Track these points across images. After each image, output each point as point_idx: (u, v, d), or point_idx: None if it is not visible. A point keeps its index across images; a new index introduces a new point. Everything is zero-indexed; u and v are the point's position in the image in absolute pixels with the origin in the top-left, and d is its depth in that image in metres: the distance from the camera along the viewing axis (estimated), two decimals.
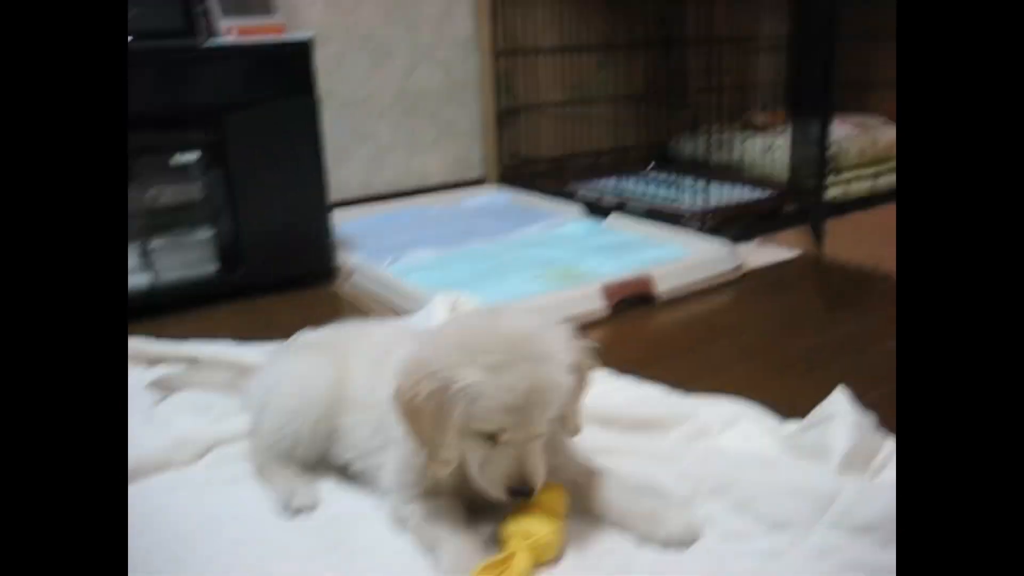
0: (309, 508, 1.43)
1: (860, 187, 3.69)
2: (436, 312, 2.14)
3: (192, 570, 1.29)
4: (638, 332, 2.34)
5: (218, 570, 1.27)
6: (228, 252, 2.71)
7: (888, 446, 1.52)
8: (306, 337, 1.71)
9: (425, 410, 1.20)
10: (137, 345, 2.12)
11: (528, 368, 1.19)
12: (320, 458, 1.53)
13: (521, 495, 1.22)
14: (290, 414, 1.50)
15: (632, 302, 2.51)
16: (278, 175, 2.70)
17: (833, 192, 3.55)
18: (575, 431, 1.35)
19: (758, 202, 3.38)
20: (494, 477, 1.22)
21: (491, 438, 1.21)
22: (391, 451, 1.38)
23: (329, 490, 1.50)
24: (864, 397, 1.55)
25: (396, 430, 1.33)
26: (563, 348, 1.24)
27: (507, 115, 4.09)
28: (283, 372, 1.58)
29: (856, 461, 1.45)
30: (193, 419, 1.78)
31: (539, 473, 1.24)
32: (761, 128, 4.13)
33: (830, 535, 1.28)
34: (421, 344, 1.28)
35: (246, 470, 1.56)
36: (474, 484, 1.26)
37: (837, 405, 1.51)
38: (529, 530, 1.24)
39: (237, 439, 1.64)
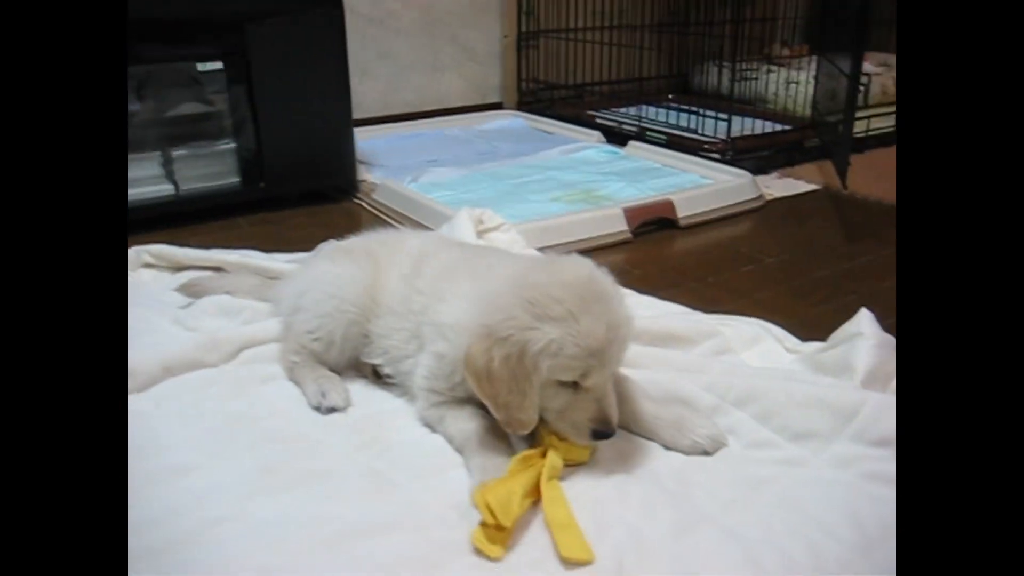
0: (341, 407, 1.46)
1: (882, 125, 3.67)
2: (461, 226, 2.15)
3: (229, 461, 1.32)
4: (660, 256, 2.36)
5: (256, 462, 1.30)
6: (250, 165, 2.71)
7: None
8: (339, 243, 1.71)
9: (500, 375, 1.18)
10: (162, 250, 2.14)
11: (601, 309, 1.20)
12: (351, 362, 1.57)
13: (605, 436, 1.24)
14: (324, 317, 1.52)
15: (653, 227, 2.52)
16: (301, 88, 2.68)
17: (856, 129, 3.53)
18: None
19: (780, 135, 3.36)
20: (579, 422, 1.23)
21: (572, 385, 1.22)
22: (421, 358, 1.41)
23: (360, 391, 1.53)
24: (882, 323, 1.57)
25: (426, 339, 1.37)
26: (614, 283, 1.28)
27: (528, 39, 4.05)
28: (317, 275, 1.60)
29: (877, 379, 1.47)
30: (223, 321, 1.80)
31: (617, 412, 1.26)
32: (783, 62, 4.08)
33: (851, 446, 1.31)
34: (482, 306, 1.26)
35: (278, 371, 1.59)
36: (554, 428, 1.27)
37: (861, 325, 1.53)
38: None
39: (268, 341, 1.67)
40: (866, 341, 1.50)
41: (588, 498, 1.21)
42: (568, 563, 1.08)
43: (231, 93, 2.65)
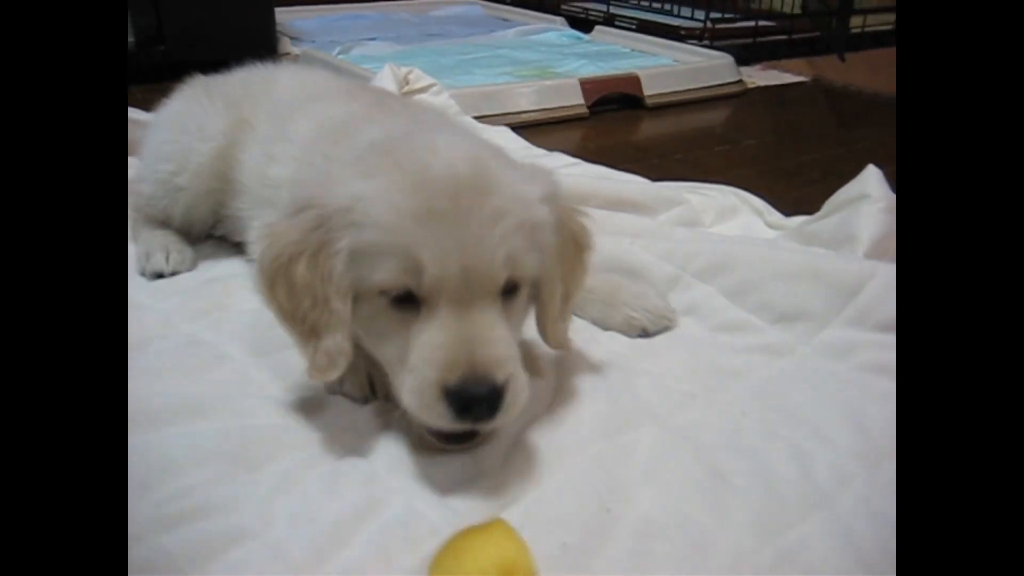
0: (166, 272, 1.12)
1: (878, 23, 3.33)
2: (383, 86, 1.77)
3: None
4: (622, 134, 2.00)
5: None
6: (147, 27, 2.31)
7: None
8: (205, 79, 1.32)
9: (298, 271, 0.72)
10: None
11: (453, 162, 0.72)
12: (202, 230, 1.22)
13: (475, 407, 0.68)
14: (159, 185, 1.17)
15: (617, 105, 2.15)
16: None
17: (851, 25, 3.19)
18: (561, 341, 0.86)
19: (764, 27, 2.98)
20: (422, 366, 0.69)
21: (408, 307, 0.72)
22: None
23: (211, 249, 1.20)
24: None
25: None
26: (534, 174, 0.79)
27: None
28: (163, 121, 1.22)
29: (887, 252, 1.13)
30: None
31: (507, 361, 0.71)
32: None
33: (851, 331, 0.98)
34: (302, 166, 0.88)
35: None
36: (398, 401, 0.74)
37: (867, 185, 1.18)
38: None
39: None
40: (873, 204, 1.15)
41: None
42: None
43: None
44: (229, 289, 1.07)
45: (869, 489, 0.75)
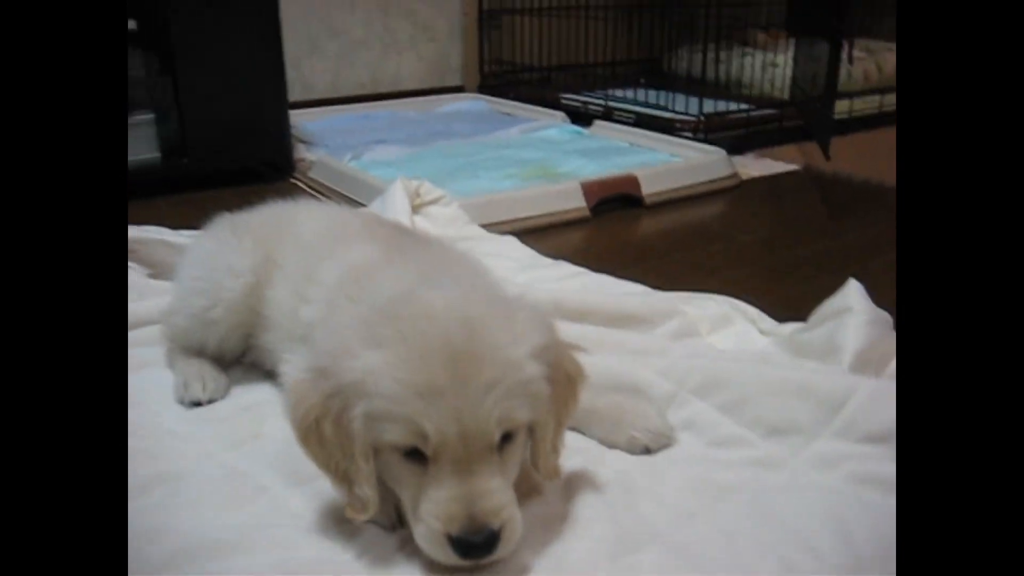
0: (203, 401, 1.20)
1: (864, 108, 3.47)
2: (395, 199, 1.89)
3: None
4: (621, 235, 2.10)
5: None
6: (171, 139, 2.44)
7: None
8: (232, 218, 1.40)
9: (325, 430, 0.83)
10: None
11: (450, 331, 0.82)
12: (234, 358, 1.31)
13: (474, 551, 0.81)
14: (193, 319, 1.25)
15: (617, 204, 2.26)
16: (229, 56, 2.43)
17: (838, 111, 3.32)
18: (551, 472, 0.94)
19: (756, 115, 3.11)
20: (430, 525, 0.81)
21: (418, 459, 0.83)
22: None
23: (244, 376, 1.28)
24: (877, 302, 1.31)
25: None
26: (527, 328, 0.87)
27: (491, 17, 3.79)
28: (196, 260, 1.31)
29: (869, 363, 1.21)
30: None
31: (502, 508, 0.83)
32: (761, 46, 3.86)
33: (838, 443, 1.06)
34: (322, 330, 0.95)
35: (158, 355, 1.33)
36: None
37: (850, 300, 1.28)
38: None
39: (146, 323, 1.41)
40: (856, 317, 1.24)
41: None
42: None
43: (147, 57, 2.38)
44: (262, 416, 1.15)
45: None
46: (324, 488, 0.97)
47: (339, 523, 0.92)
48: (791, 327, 1.39)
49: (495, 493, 0.82)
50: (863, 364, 1.20)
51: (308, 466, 1.00)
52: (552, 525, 0.93)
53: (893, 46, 4.25)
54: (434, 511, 0.81)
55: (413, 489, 0.83)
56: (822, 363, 1.22)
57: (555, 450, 0.94)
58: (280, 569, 0.84)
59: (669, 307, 1.43)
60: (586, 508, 0.96)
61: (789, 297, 1.61)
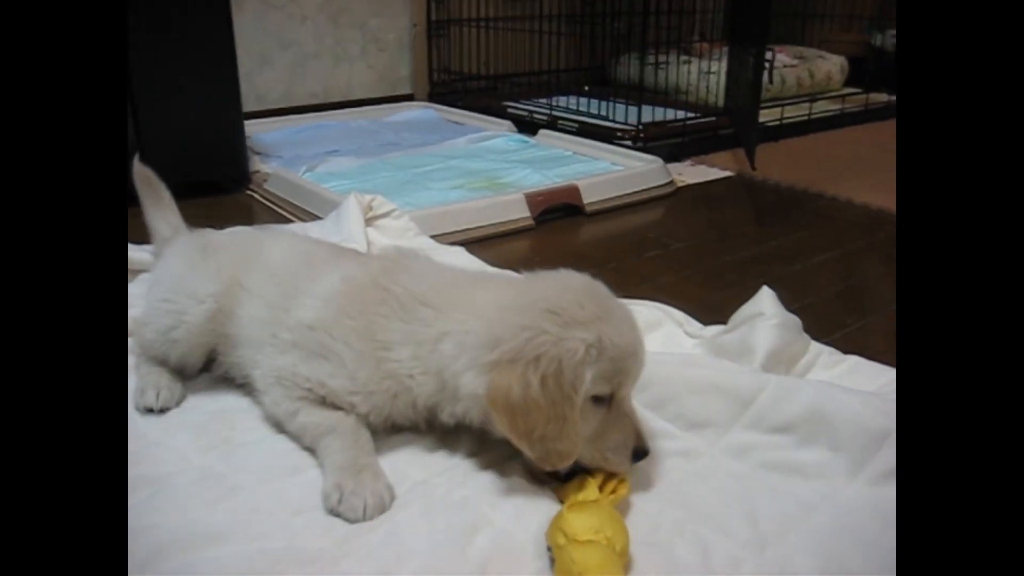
0: (155, 408, 1.29)
1: (795, 114, 3.65)
2: (349, 213, 2.00)
3: None
4: (563, 243, 2.24)
5: None
6: (129, 153, 2.51)
7: (814, 349, 1.45)
8: (199, 238, 1.50)
9: (539, 403, 1.01)
10: None
11: (617, 307, 1.11)
12: (194, 371, 1.40)
13: (644, 455, 1.10)
14: (160, 334, 1.34)
15: (560, 213, 2.40)
16: (183, 72, 2.50)
17: (767, 117, 3.49)
18: None
19: (693, 122, 3.27)
20: (617, 444, 1.08)
21: (604, 402, 1.07)
22: (275, 358, 1.24)
23: (210, 384, 1.38)
24: (788, 307, 1.47)
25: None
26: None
27: (439, 28, 3.91)
28: (162, 275, 1.41)
29: (780, 362, 1.37)
30: None
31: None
32: (699, 54, 4.03)
33: (748, 434, 1.21)
34: (488, 333, 1.07)
35: (132, 363, 1.42)
36: (587, 461, 1.08)
37: (762, 305, 1.43)
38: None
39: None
40: (767, 321, 1.40)
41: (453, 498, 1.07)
42: None
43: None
44: (232, 422, 1.25)
45: (755, 571, 0.96)
46: (291, 487, 1.10)
47: (310, 516, 1.04)
48: (713, 330, 1.54)
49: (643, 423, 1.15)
50: (773, 363, 1.35)
51: (275, 464, 1.14)
52: (498, 505, 1.06)
53: (824, 53, 4.46)
54: (622, 434, 1.08)
55: (599, 426, 1.07)
56: (738, 363, 1.36)
57: None
58: (259, 558, 0.96)
59: None
60: (519, 492, 1.10)
61: (714, 301, 1.76)
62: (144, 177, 1.60)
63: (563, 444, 1.03)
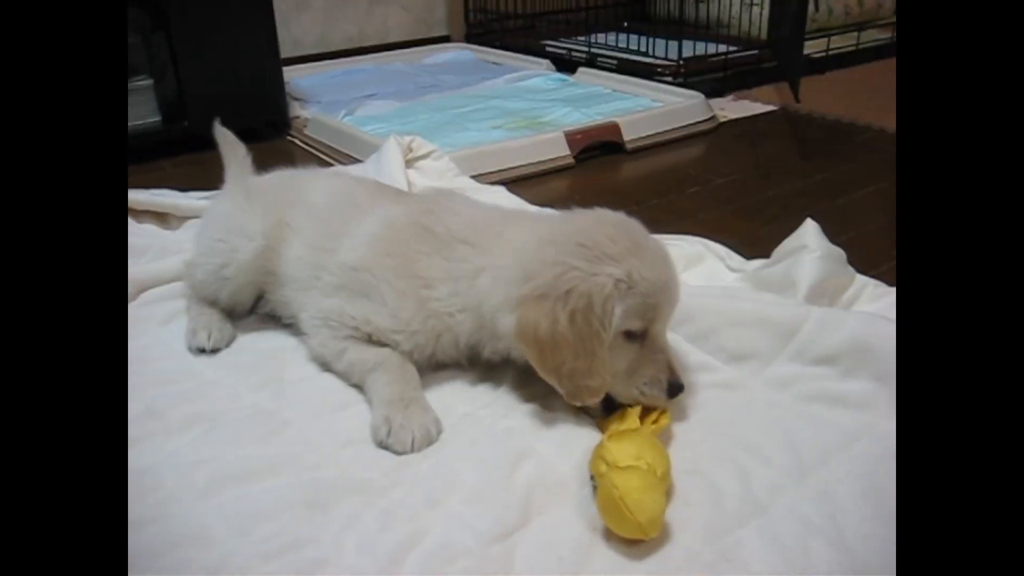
0: (207, 348, 1.33)
1: (842, 44, 3.55)
2: (389, 156, 2.01)
3: None
4: (604, 180, 2.23)
5: (141, 406, 1.17)
6: (171, 102, 2.54)
7: (859, 282, 1.44)
8: (247, 182, 1.53)
9: (567, 338, 1.02)
10: None
11: (650, 241, 1.11)
12: (245, 310, 1.44)
13: (680, 390, 1.10)
14: (211, 272, 1.38)
15: (600, 151, 2.38)
16: (222, 18, 2.51)
17: (813, 49, 3.41)
18: None
19: (735, 56, 3.21)
20: (652, 378, 1.08)
21: (637, 338, 1.08)
22: (318, 299, 1.27)
23: (259, 325, 1.42)
24: (833, 240, 1.45)
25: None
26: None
27: None
28: (214, 217, 1.46)
29: (824, 294, 1.36)
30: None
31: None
32: None
33: (790, 366, 1.21)
34: (521, 267, 1.09)
35: (180, 309, 1.46)
36: (622, 397, 1.10)
37: (806, 238, 1.42)
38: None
39: (173, 279, 1.54)
40: (811, 254, 1.39)
41: (499, 429, 1.10)
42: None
43: (142, 24, 2.46)
44: (282, 361, 1.29)
45: (795, 498, 0.98)
46: (337, 421, 1.14)
47: (359, 448, 1.08)
48: (756, 264, 1.53)
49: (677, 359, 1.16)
50: (817, 296, 1.35)
51: (322, 401, 1.17)
52: (538, 433, 1.09)
53: None
54: (655, 368, 1.08)
55: (632, 362, 1.08)
56: (781, 296, 1.36)
57: None
58: (312, 488, 0.99)
59: None
60: (561, 422, 1.12)
61: (757, 235, 1.74)
62: (224, 136, 1.63)
63: (593, 380, 1.05)
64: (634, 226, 1.13)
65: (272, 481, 1.01)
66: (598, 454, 0.98)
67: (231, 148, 1.61)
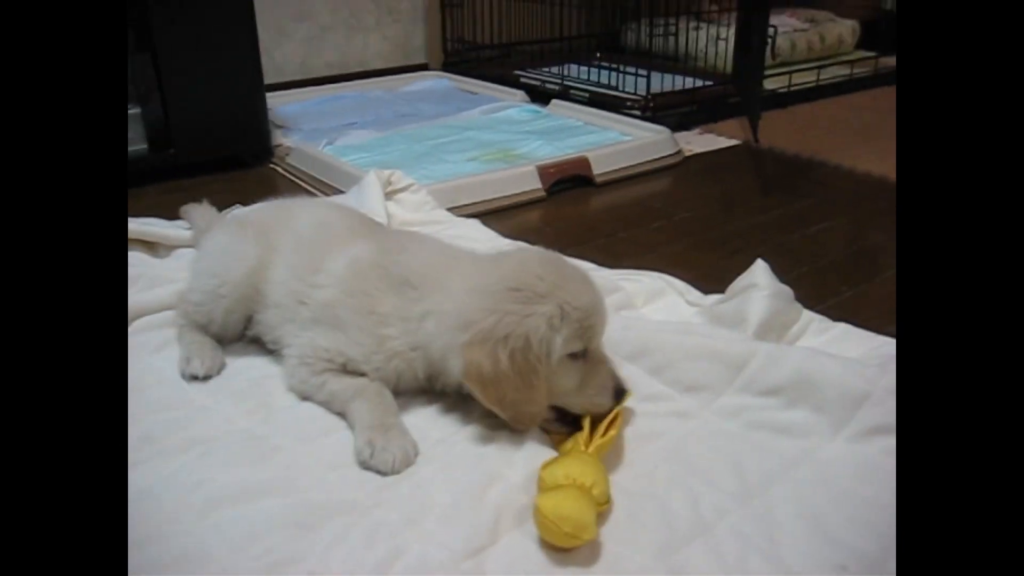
0: (200, 375, 1.42)
1: (804, 80, 3.69)
2: (370, 189, 2.11)
3: None
4: (573, 213, 2.34)
5: (137, 431, 1.26)
6: (157, 130, 2.62)
7: (806, 317, 1.56)
8: (238, 213, 1.65)
9: (508, 374, 1.15)
10: None
11: (576, 271, 1.26)
12: (237, 335, 1.53)
13: (624, 393, 1.24)
14: (206, 294, 1.48)
15: (570, 184, 2.50)
16: (208, 49, 2.59)
17: (776, 84, 3.55)
18: None
19: (700, 90, 3.34)
20: (600, 386, 1.22)
21: (581, 356, 1.21)
22: (302, 335, 1.37)
23: (250, 354, 1.51)
24: (786, 275, 1.57)
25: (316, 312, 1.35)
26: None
27: None
28: (209, 247, 1.57)
29: (772, 329, 1.48)
30: None
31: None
32: (711, 18, 4.07)
33: (739, 397, 1.32)
34: (460, 315, 1.21)
35: (172, 337, 1.54)
36: (576, 408, 1.24)
37: (756, 276, 1.54)
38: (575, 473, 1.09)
39: (163, 308, 1.62)
40: (760, 292, 1.50)
41: (473, 453, 1.20)
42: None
43: (131, 56, 2.55)
44: (270, 389, 1.38)
45: (739, 518, 1.09)
46: (324, 446, 1.23)
47: (344, 471, 1.17)
48: (712, 299, 1.65)
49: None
50: (765, 331, 1.47)
51: (310, 427, 1.27)
52: (510, 459, 1.19)
53: (835, 16, 4.48)
54: (601, 378, 1.22)
55: (577, 378, 1.21)
56: (733, 331, 1.47)
57: None
58: (302, 508, 1.09)
59: (611, 284, 1.67)
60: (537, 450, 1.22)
61: (717, 268, 1.86)
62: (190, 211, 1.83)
63: (531, 407, 1.19)
64: (557, 260, 1.27)
65: (265, 502, 1.10)
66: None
67: (199, 213, 1.81)
